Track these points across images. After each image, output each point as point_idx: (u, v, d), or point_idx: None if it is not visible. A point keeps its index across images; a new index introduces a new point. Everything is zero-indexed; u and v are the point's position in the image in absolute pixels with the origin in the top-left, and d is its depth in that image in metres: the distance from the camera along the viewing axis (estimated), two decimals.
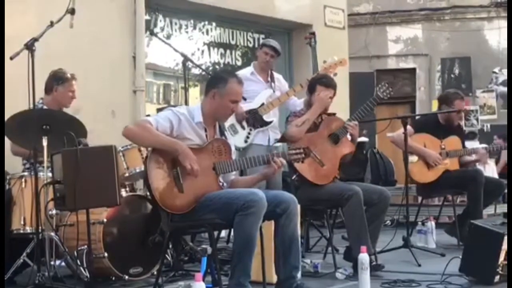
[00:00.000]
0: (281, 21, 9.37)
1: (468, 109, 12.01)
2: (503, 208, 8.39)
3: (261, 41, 8.88)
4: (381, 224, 5.23)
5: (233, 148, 4.32)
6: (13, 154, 5.18)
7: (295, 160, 4.36)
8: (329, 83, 5.36)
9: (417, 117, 7.72)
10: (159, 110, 7.21)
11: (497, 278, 4.38)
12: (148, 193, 4.74)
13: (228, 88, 4.15)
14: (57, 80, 5.32)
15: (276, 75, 6.46)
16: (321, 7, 9.80)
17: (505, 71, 12.67)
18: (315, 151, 4.95)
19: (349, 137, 5.35)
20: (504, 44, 12.67)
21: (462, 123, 7.37)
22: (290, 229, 4.05)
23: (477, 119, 12.91)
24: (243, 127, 6.10)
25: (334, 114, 5.77)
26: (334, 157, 5.21)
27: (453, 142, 6.45)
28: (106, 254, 4.70)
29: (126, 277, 4.79)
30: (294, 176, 5.14)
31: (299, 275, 4.15)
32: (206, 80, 9.57)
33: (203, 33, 9.04)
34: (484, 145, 6.83)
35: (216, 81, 4.22)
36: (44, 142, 4.44)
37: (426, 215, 6.97)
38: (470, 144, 6.93)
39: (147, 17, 7.98)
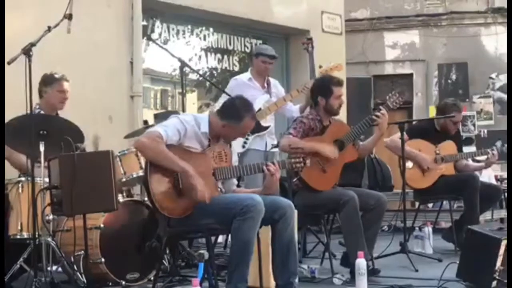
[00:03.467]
0: (279, 27, 9.38)
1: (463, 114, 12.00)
2: (500, 213, 8.39)
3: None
4: (378, 229, 5.22)
5: (235, 157, 4.33)
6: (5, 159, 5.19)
7: (294, 169, 4.37)
8: (340, 82, 5.32)
9: (412, 123, 7.71)
10: (156, 115, 7.21)
11: (494, 283, 4.37)
12: (145, 199, 4.74)
13: (241, 125, 4.17)
14: (45, 83, 5.32)
15: (273, 81, 6.47)
16: (319, 13, 9.82)
17: (501, 77, 12.69)
18: (319, 155, 4.96)
19: (361, 143, 5.34)
20: (501, 49, 12.69)
21: (460, 129, 7.35)
22: (287, 234, 4.06)
23: (474, 125, 12.93)
24: None
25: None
26: (337, 164, 5.17)
27: (448, 147, 6.45)
28: (103, 260, 4.69)
29: (123, 282, 4.79)
30: (294, 179, 5.12)
31: (296, 280, 4.15)
32: (203, 86, 9.65)
33: (200, 38, 9.06)
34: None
35: (231, 115, 4.18)
36: (41, 148, 4.45)
37: (423, 221, 6.97)
38: (467, 150, 6.93)
39: (144, 23, 7.99)
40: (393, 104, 5.30)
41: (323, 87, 5.31)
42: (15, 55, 4.35)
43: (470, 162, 6.64)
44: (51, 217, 4.67)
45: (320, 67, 6.30)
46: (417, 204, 7.01)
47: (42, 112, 5.21)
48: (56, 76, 5.36)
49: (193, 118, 4.18)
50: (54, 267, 4.73)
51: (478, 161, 6.94)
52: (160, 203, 3.92)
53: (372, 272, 4.87)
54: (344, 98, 5.35)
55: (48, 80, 5.33)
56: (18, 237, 4.74)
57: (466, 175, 6.44)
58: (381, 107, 5.29)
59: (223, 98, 5.56)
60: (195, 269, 4.76)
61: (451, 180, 6.30)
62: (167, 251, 5.05)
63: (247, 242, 3.81)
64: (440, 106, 6.76)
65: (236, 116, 4.16)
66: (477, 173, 6.75)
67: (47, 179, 4.46)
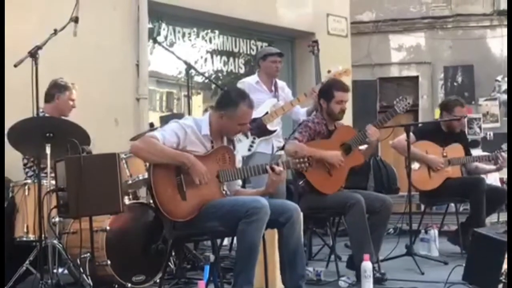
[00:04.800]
0: (284, 29, 9.39)
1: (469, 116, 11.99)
2: (506, 216, 8.36)
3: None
4: (383, 232, 5.22)
5: (239, 157, 4.32)
6: None
7: (299, 169, 4.36)
8: (345, 87, 5.29)
9: (418, 125, 7.70)
10: (162, 118, 7.21)
11: (500, 286, 4.36)
12: (151, 201, 4.75)
13: (237, 113, 4.13)
14: (58, 88, 5.39)
15: (280, 84, 6.46)
16: (324, 15, 9.83)
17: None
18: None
19: (362, 147, 5.33)
20: (506, 52, 12.68)
21: (465, 129, 7.36)
22: (294, 238, 4.05)
23: (480, 127, 12.91)
24: (246, 136, 6.10)
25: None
26: (343, 167, 5.15)
27: (455, 149, 6.44)
28: (109, 262, 4.70)
29: (129, 285, 4.79)
30: (301, 182, 5.12)
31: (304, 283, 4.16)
32: (209, 89, 9.66)
33: (206, 41, 9.06)
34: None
35: (226, 103, 4.17)
36: (48, 150, 4.46)
37: (429, 223, 6.96)
38: (473, 153, 6.91)
39: (150, 25, 8.00)
40: (400, 109, 5.31)
41: (325, 90, 5.33)
42: (21, 58, 4.37)
43: (480, 164, 6.62)
44: (57, 219, 4.69)
45: (329, 71, 6.28)
46: (422, 206, 6.98)
47: (47, 115, 5.24)
48: (69, 84, 5.42)
49: (193, 122, 4.16)
50: (60, 270, 4.75)
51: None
52: (165, 206, 3.91)
53: (379, 280, 4.85)
54: (347, 104, 5.34)
55: (62, 86, 5.39)
56: (24, 239, 4.76)
57: (473, 178, 6.42)
58: (391, 112, 5.29)
59: None
60: (201, 271, 4.76)
61: (457, 183, 6.28)
62: (173, 254, 5.05)
63: (252, 244, 3.81)
64: (443, 104, 6.76)
65: (231, 103, 4.14)
66: (483, 175, 6.74)
67: (53, 181, 4.47)
